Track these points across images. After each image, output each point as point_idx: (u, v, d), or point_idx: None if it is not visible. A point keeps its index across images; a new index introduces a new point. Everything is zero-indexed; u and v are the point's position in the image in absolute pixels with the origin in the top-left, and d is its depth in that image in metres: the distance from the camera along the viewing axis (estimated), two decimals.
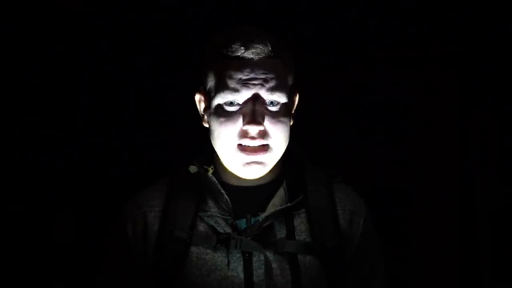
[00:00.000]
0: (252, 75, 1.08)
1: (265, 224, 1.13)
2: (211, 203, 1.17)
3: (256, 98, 1.08)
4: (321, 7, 1.96)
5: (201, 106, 1.20)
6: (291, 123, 1.19)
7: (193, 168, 1.17)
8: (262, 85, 1.08)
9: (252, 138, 1.09)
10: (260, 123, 1.08)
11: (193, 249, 1.12)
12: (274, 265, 1.11)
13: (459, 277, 1.98)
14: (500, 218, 1.94)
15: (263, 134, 1.09)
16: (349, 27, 1.97)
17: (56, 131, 1.88)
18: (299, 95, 1.22)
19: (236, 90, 1.08)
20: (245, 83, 1.08)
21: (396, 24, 1.96)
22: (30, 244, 1.84)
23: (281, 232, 1.15)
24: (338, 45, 1.98)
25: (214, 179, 1.16)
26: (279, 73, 1.11)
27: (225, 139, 1.10)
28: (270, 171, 1.18)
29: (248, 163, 1.10)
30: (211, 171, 1.18)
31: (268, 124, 1.09)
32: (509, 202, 1.94)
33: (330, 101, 2.00)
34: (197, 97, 1.20)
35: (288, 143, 1.17)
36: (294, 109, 1.22)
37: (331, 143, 1.94)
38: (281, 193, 1.17)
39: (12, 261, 1.81)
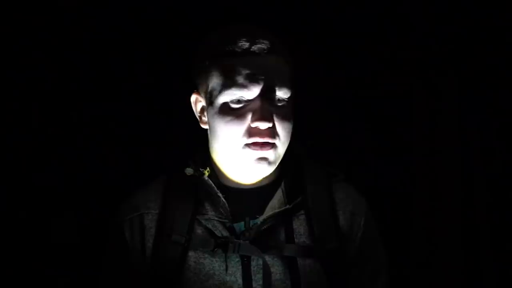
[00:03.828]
0: (259, 70, 1.05)
1: (264, 227, 1.11)
2: (208, 206, 1.15)
3: (264, 94, 1.06)
4: (321, 7, 1.95)
5: (197, 107, 1.18)
6: None
7: (189, 171, 1.16)
8: (270, 80, 1.06)
9: (261, 135, 1.07)
10: (269, 119, 1.06)
11: (191, 253, 1.11)
12: (273, 270, 1.09)
13: (459, 277, 1.97)
14: (500, 218, 1.94)
15: (271, 133, 1.07)
16: (349, 27, 1.96)
17: (56, 132, 1.88)
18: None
19: (244, 86, 1.05)
20: (253, 79, 1.05)
21: (396, 24, 1.95)
22: (30, 244, 1.84)
23: (280, 235, 1.13)
24: (338, 45, 1.97)
25: (211, 182, 1.14)
26: (283, 70, 1.09)
27: (232, 138, 1.08)
28: (270, 172, 1.16)
29: (258, 159, 1.08)
30: (207, 173, 1.15)
31: (276, 121, 1.07)
32: (509, 202, 1.93)
33: (330, 101, 1.99)
34: (193, 98, 1.17)
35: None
36: None
37: (330, 143, 1.93)
38: (279, 195, 1.15)
39: (13, 262, 1.81)
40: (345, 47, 1.97)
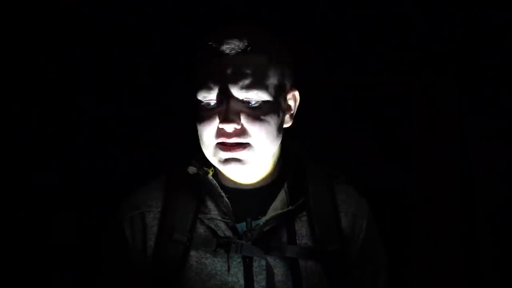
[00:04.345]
0: (224, 71, 1.04)
1: (266, 228, 1.10)
2: (211, 206, 1.14)
3: (230, 95, 1.04)
4: (321, 7, 1.95)
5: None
6: (290, 124, 1.16)
7: (192, 169, 1.14)
8: (235, 81, 1.04)
9: (228, 136, 1.06)
10: (233, 121, 1.04)
11: (193, 253, 1.10)
12: (275, 271, 1.09)
13: (459, 277, 1.98)
14: (500, 218, 1.94)
15: (240, 133, 1.05)
16: (349, 27, 1.96)
17: (56, 132, 1.88)
18: (300, 96, 1.17)
19: (210, 88, 1.05)
20: (218, 80, 1.04)
21: (396, 24, 1.95)
22: (30, 244, 1.84)
23: (282, 236, 1.12)
24: (338, 45, 1.97)
25: (215, 181, 1.13)
26: (258, 70, 1.05)
27: (205, 138, 1.08)
28: (271, 172, 1.16)
29: (226, 160, 1.07)
30: (211, 173, 1.14)
31: (245, 122, 1.05)
32: (509, 202, 1.93)
33: (329, 101, 1.99)
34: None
35: (287, 143, 1.15)
36: (294, 109, 1.17)
37: (330, 144, 1.93)
38: (282, 195, 1.14)
39: (13, 262, 1.81)
40: (345, 47, 1.97)
